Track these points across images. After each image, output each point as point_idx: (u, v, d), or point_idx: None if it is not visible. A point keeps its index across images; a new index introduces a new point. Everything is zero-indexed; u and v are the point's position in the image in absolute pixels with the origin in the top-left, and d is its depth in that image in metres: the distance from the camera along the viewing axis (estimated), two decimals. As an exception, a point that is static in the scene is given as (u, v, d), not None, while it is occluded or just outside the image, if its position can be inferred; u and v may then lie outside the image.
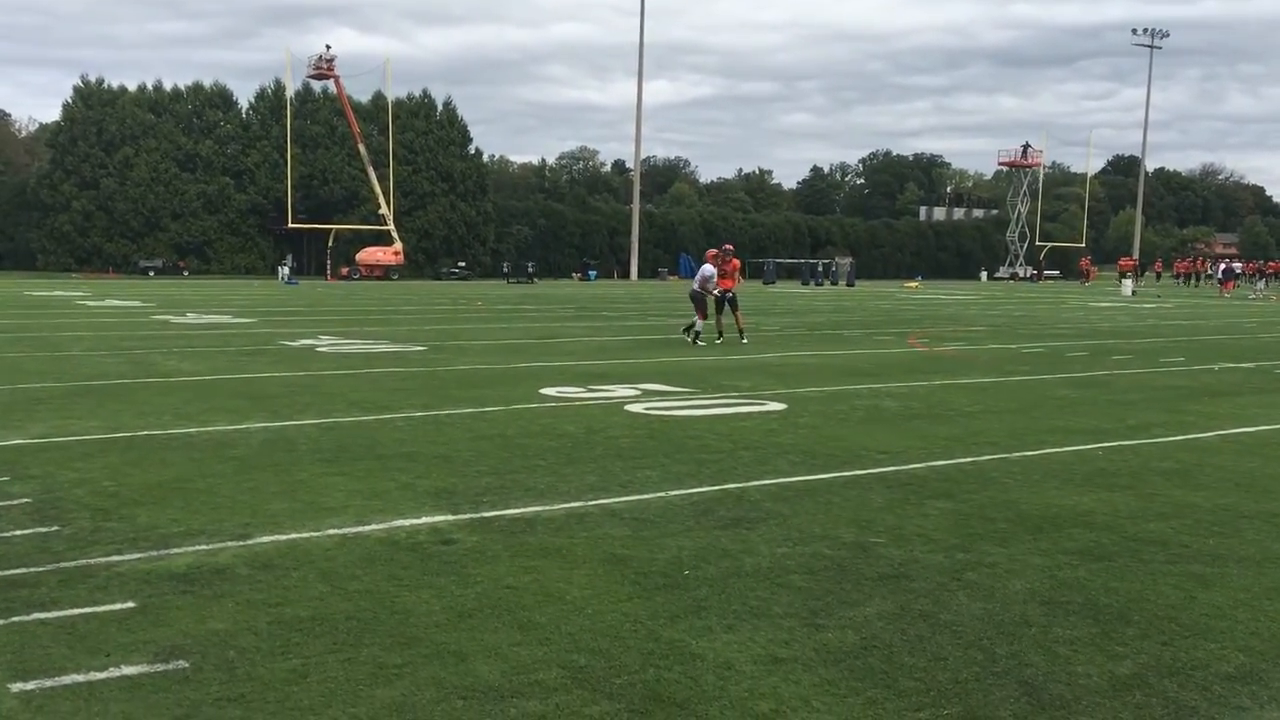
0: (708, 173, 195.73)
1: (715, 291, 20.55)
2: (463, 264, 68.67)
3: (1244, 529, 6.79)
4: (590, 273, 70.69)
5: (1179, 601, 5.34)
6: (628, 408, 11.70)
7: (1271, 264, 76.44)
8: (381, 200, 64.29)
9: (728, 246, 22.44)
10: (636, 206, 76.09)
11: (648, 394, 12.89)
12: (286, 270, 58.76)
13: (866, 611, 5.16)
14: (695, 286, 20.63)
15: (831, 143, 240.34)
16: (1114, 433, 10.51)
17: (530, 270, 63.67)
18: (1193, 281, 74.32)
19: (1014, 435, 10.27)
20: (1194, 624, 5.02)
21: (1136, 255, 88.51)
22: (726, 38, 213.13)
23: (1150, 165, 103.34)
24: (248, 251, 70.68)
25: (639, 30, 74.34)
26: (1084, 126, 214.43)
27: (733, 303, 20.74)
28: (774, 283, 65.89)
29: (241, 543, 6.21)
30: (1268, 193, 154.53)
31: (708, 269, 20.70)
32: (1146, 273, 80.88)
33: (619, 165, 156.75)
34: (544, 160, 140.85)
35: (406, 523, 6.71)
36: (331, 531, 6.48)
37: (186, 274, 64.71)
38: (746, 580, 5.63)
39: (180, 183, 68.66)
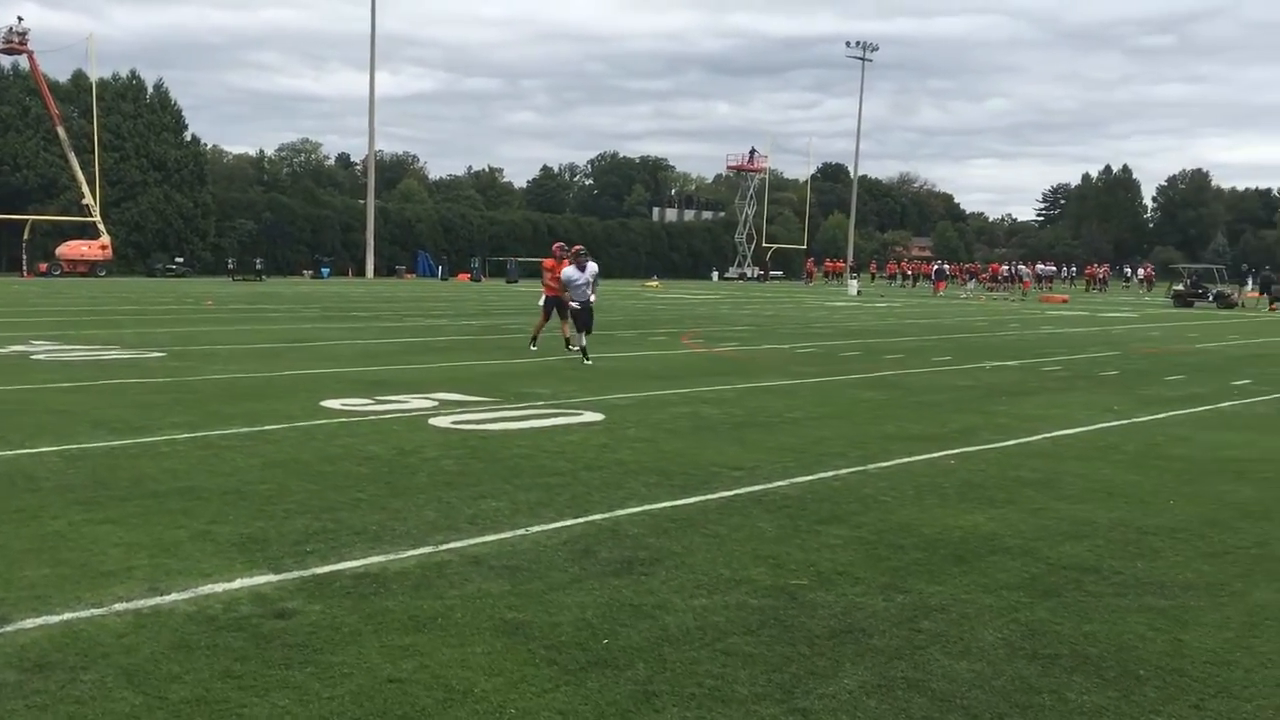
0: (436, 169, 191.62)
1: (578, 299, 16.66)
2: (180, 259, 63.48)
3: (1159, 548, 6.37)
4: (323, 270, 67.17)
5: (1169, 648, 4.73)
6: (432, 421, 10.37)
7: (972, 265, 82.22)
8: (85, 189, 58.52)
9: (560, 245, 18.66)
10: (371, 201, 72.96)
11: (446, 405, 11.58)
12: (-27, 265, 52.39)
13: (846, 684, 4.25)
14: (568, 295, 16.71)
15: (559, 142, 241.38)
16: (947, 438, 10.15)
17: (258, 267, 59.68)
18: (905, 282, 78.78)
19: (853, 444, 9.71)
20: (1207, 677, 4.41)
21: (851, 258, 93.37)
22: (448, 30, 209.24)
23: (855, 172, 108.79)
24: (-76, 244, 62.64)
25: (370, 17, 71.40)
26: (792, 135, 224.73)
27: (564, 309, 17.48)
28: (517, 281, 64.84)
29: (-3, 632, 4.60)
30: (956, 200, 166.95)
31: (571, 272, 16.63)
32: (862, 273, 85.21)
33: (343, 159, 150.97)
34: (262, 151, 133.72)
35: (219, 588, 5.25)
36: (120, 607, 4.95)
37: None
38: (681, 648, 4.60)
39: None
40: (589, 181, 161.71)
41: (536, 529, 6.48)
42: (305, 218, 73.36)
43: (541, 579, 5.51)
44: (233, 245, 67.32)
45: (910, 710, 4.02)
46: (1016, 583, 5.63)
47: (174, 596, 5.11)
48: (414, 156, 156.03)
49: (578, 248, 17.03)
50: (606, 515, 6.85)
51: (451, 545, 6.09)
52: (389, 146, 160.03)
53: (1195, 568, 5.97)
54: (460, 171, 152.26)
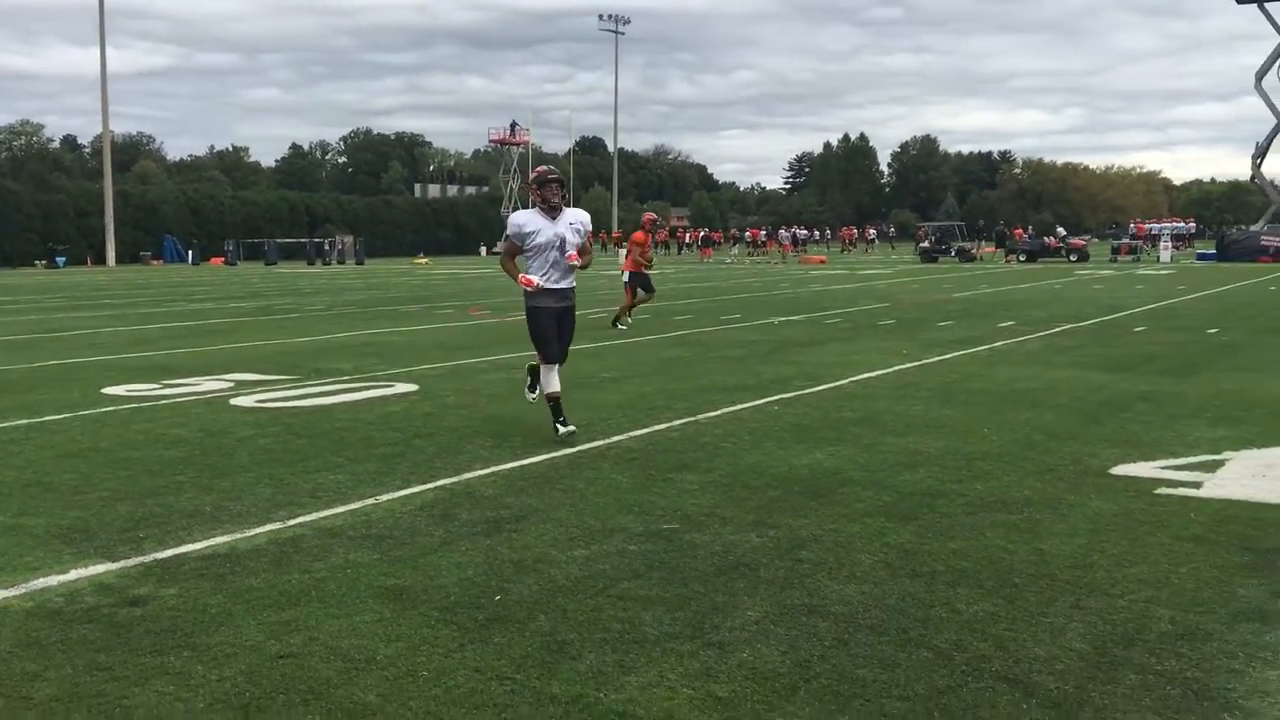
0: (175, 149, 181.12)
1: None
2: (-112, 253, 57.71)
3: (990, 471, 6.71)
4: (58, 259, 62.38)
5: (1033, 556, 4.98)
6: (234, 402, 9.79)
7: (733, 231, 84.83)
8: None
9: (651, 217, 19.43)
10: (109, 183, 68.14)
11: (243, 385, 10.95)
12: None
13: (750, 615, 4.26)
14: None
15: (306, 119, 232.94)
16: (763, 387, 10.39)
17: (-17, 258, 54.91)
18: (674, 249, 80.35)
19: (676, 398, 9.80)
20: (1074, 580, 4.67)
21: (616, 229, 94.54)
22: (176, 3, 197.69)
23: (611, 145, 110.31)
24: None
25: (97, -14, 66.30)
26: (546, 109, 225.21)
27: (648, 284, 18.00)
28: (276, 263, 62.19)
29: None
30: (709, 170, 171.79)
31: (525, 218, 8.11)
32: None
33: (70, 140, 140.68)
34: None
35: (52, 580, 4.77)
36: (-59, 610, 4.41)
37: None
38: (577, 598, 4.50)
39: None
40: (342, 159, 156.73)
41: (386, 497, 6.21)
42: (34, 204, 67.85)
43: (409, 545, 5.28)
44: (-48, 236, 61.59)
45: (818, 632, 4.07)
46: (874, 510, 5.81)
47: (2, 594, 4.59)
48: (149, 137, 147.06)
49: (542, 169, 8.27)
50: (455, 479, 6.64)
51: (301, 520, 5.75)
52: (120, 127, 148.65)
53: (1029, 485, 6.34)
54: (201, 151, 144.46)
